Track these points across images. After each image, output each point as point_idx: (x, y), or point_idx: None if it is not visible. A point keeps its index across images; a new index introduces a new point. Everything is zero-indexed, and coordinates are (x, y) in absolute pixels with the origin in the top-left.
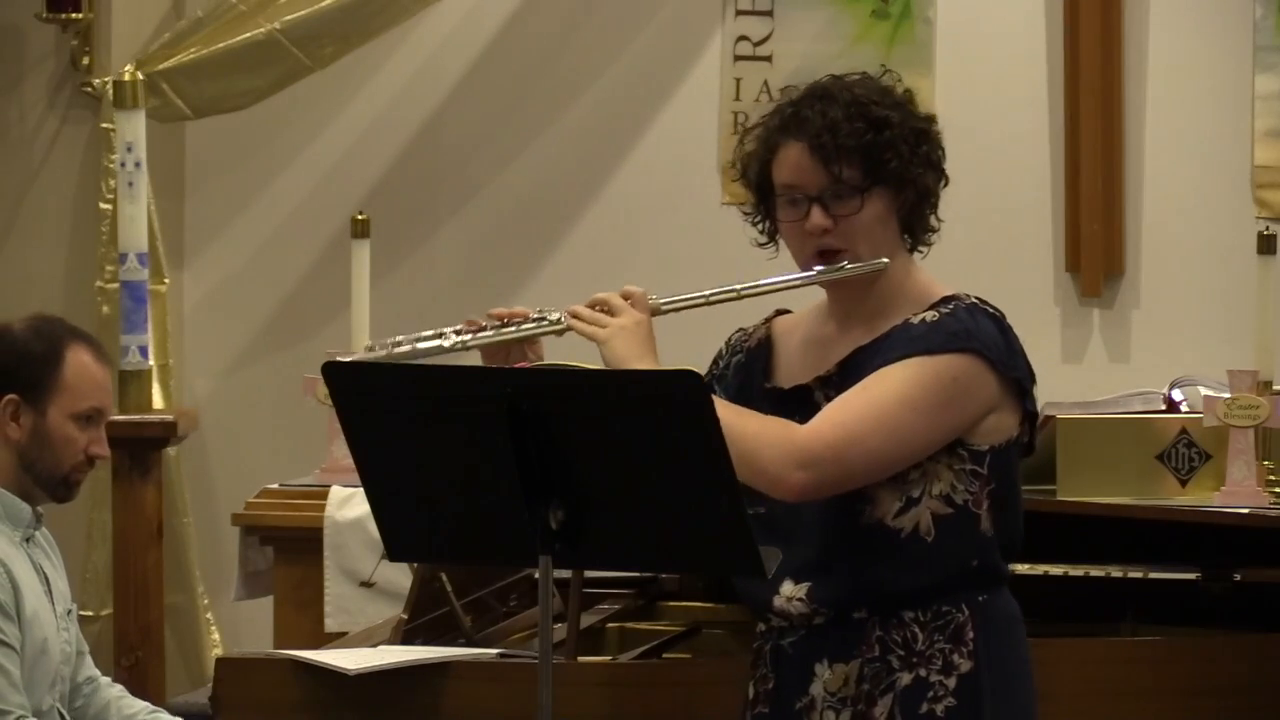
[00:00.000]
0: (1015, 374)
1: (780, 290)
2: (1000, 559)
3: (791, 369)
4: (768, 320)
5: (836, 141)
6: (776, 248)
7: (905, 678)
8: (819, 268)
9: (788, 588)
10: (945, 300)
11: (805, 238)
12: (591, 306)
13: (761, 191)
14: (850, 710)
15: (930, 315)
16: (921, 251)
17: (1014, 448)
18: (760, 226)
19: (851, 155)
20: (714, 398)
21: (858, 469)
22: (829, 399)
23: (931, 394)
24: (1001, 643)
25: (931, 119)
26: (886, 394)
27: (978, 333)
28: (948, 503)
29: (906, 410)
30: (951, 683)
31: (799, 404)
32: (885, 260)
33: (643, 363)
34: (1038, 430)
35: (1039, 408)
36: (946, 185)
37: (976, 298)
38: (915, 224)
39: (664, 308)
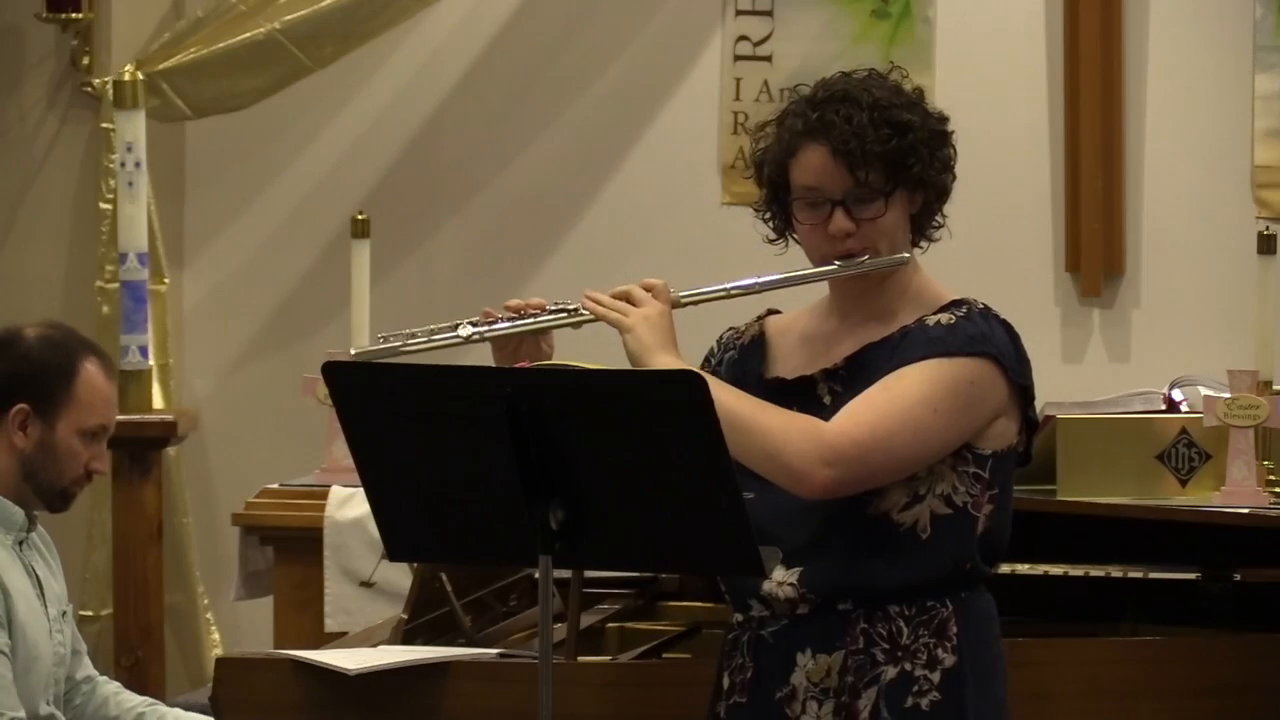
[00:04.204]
0: (1024, 381)
1: (799, 284)
2: (985, 559)
3: (792, 362)
4: (760, 319)
5: (863, 147)
6: (785, 244)
7: (890, 671)
8: (839, 262)
9: (779, 573)
10: (957, 303)
11: (828, 240)
12: (614, 297)
13: (775, 189)
14: (833, 702)
15: (946, 317)
16: (922, 248)
17: (1013, 455)
18: (771, 223)
19: (876, 160)
20: (735, 390)
21: (881, 468)
22: (833, 392)
23: (951, 396)
24: (982, 638)
25: (946, 119)
26: (909, 394)
27: (993, 338)
28: (947, 503)
29: (929, 412)
30: (936, 677)
31: (800, 395)
32: (906, 255)
33: (665, 352)
34: (1036, 432)
35: (1039, 408)
36: (955, 182)
37: (984, 304)
38: (925, 222)
39: (683, 300)
